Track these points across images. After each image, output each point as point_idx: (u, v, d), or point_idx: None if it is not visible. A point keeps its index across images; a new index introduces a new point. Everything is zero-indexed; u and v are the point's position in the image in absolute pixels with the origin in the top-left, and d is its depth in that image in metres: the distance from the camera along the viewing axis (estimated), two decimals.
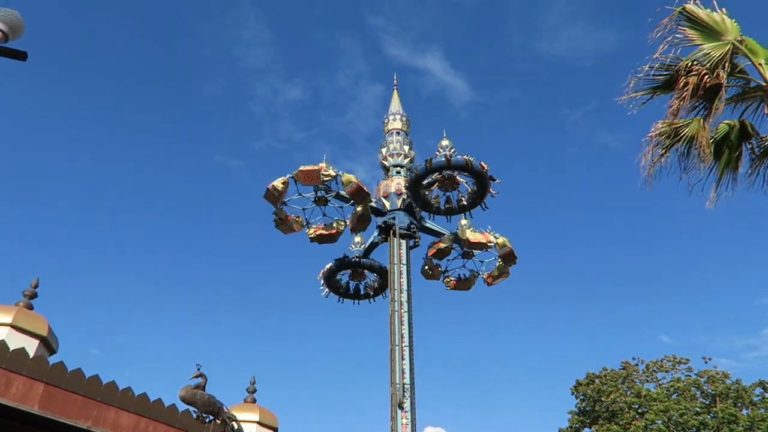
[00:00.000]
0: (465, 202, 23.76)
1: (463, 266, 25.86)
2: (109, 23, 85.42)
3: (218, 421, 12.80)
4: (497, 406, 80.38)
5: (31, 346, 11.59)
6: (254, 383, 15.44)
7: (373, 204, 24.19)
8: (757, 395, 30.82)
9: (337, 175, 22.24)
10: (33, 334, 11.81)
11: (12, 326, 11.55)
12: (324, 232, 23.86)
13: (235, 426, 13.09)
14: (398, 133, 27.06)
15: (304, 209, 23.78)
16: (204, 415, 12.65)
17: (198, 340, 78.66)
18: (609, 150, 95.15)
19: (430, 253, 25.14)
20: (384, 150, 26.75)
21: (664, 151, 10.42)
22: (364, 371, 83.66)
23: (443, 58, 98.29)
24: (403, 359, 21.45)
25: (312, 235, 23.73)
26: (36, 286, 12.56)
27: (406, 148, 26.67)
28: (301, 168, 22.30)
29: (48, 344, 12.23)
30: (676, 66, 10.46)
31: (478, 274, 25.76)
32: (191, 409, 12.55)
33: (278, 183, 22.40)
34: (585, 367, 75.61)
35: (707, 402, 30.95)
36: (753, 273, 78.59)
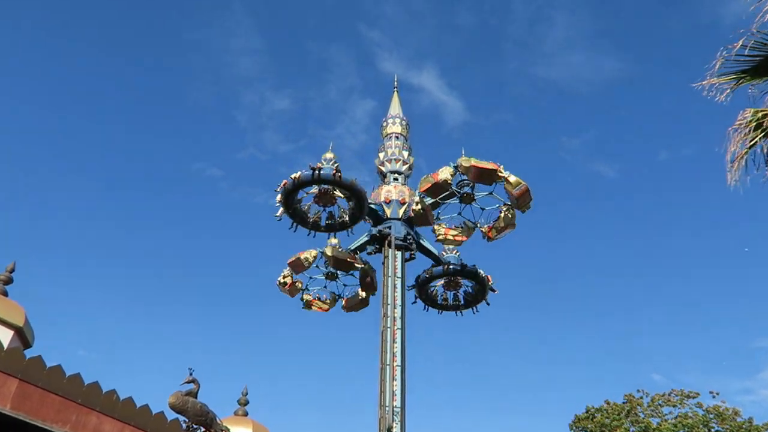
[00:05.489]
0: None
1: (460, 213, 22.23)
2: (99, 26, 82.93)
3: None
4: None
5: (5, 336, 10.12)
6: (246, 394, 14.01)
7: (372, 206, 22.93)
8: None
9: (364, 265, 22.91)
10: (7, 323, 10.35)
11: None
12: (321, 305, 25.04)
13: None
14: (397, 137, 25.44)
15: (311, 278, 24.65)
16: (195, 426, 11.28)
17: (179, 348, 75.49)
18: (604, 179, 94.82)
19: (423, 189, 21.29)
20: (381, 155, 25.08)
21: (753, 142, 9.07)
22: (351, 391, 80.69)
23: (438, 77, 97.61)
24: (394, 380, 19.99)
25: (305, 301, 24.91)
26: (12, 271, 11.02)
27: (405, 153, 25.00)
28: (331, 253, 22.54)
29: (23, 336, 10.74)
30: None
31: (476, 225, 22.31)
32: (181, 418, 11.17)
33: (309, 256, 23.45)
34: (577, 402, 74.27)
35: None
36: (751, 314, 78.00)
